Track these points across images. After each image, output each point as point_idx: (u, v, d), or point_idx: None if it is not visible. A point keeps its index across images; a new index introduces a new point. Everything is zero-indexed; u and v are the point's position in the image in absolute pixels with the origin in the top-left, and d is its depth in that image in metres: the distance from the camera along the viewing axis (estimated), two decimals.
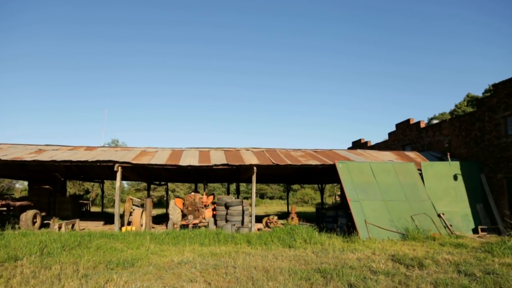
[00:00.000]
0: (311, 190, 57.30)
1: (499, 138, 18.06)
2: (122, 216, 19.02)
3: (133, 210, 18.88)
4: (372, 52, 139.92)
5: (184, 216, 19.19)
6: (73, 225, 18.01)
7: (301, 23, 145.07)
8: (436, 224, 16.19)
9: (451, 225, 16.48)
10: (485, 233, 16.82)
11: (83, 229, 18.22)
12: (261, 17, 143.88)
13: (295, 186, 58.92)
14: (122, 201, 29.53)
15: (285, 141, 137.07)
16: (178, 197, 25.20)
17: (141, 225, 18.27)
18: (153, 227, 19.14)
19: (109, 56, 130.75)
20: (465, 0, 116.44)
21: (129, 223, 18.62)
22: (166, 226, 18.56)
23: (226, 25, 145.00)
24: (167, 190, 35.55)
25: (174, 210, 19.70)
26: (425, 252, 11.60)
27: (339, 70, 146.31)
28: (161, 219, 25.02)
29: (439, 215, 16.69)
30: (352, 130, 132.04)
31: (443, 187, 18.27)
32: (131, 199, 19.92)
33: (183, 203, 19.49)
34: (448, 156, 19.65)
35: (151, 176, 26.17)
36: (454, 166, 18.90)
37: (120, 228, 17.07)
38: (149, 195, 29.62)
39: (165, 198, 41.67)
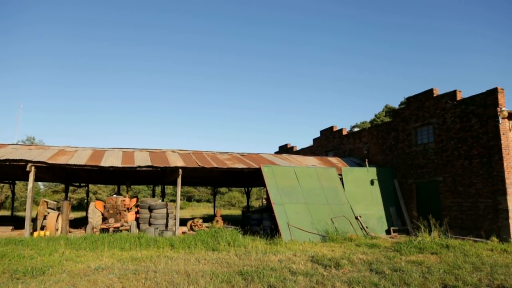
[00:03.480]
0: (238, 193, 57.80)
1: (410, 147, 19.67)
2: (35, 220, 17.67)
3: (48, 213, 17.61)
4: (301, 54, 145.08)
5: (104, 219, 18.35)
6: None
7: (221, 25, 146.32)
8: (354, 226, 17.19)
9: (367, 227, 17.59)
10: (396, 233, 18.20)
11: None
12: (175, 16, 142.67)
13: (222, 189, 59.07)
14: (37, 204, 27.44)
15: (213, 144, 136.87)
16: (99, 199, 23.98)
17: (57, 230, 17.11)
18: (70, 232, 18.07)
19: (32, 54, 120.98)
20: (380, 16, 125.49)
21: (42, 228, 17.33)
22: (85, 230, 17.63)
23: (137, 25, 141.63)
24: (87, 192, 33.71)
25: (94, 213, 18.73)
26: (343, 252, 12.24)
27: (266, 73, 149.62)
28: (80, 223, 23.61)
29: (356, 218, 17.73)
30: (280, 134, 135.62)
31: (361, 191, 19.46)
32: (45, 201, 18.57)
33: (104, 206, 18.62)
34: (366, 162, 20.98)
35: (69, 177, 24.61)
36: (371, 172, 20.21)
37: (32, 233, 15.83)
38: (67, 198, 27.81)
39: (85, 201, 39.42)
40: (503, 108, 15.10)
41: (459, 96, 17.12)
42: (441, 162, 17.74)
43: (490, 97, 15.57)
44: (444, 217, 16.63)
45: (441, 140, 17.78)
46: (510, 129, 15.36)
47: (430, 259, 10.81)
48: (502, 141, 15.03)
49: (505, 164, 14.92)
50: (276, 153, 31.75)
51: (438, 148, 17.93)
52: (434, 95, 18.34)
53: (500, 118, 15.06)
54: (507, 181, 14.82)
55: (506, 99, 15.48)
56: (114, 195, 19.82)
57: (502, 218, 14.76)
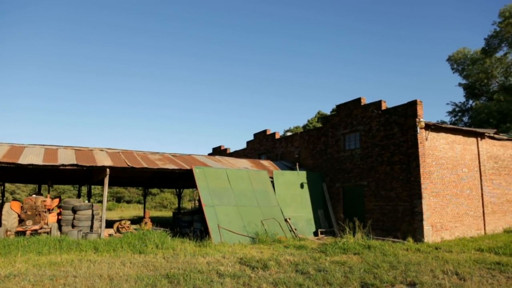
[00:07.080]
0: (171, 195, 56.61)
1: (338, 152, 20.57)
2: None
3: None
4: (237, 56, 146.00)
5: (21, 221, 16.99)
6: None
7: (154, 24, 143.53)
8: (283, 228, 17.57)
9: (296, 229, 18.07)
10: (323, 235, 18.90)
11: None
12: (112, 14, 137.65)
13: (154, 190, 57.52)
14: None
15: (144, 146, 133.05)
16: (16, 199, 22.16)
17: None
18: None
19: None
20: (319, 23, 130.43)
21: None
22: None
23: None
24: (3, 192, 30.89)
25: (9, 214, 17.26)
26: (271, 254, 12.45)
27: (200, 74, 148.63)
28: None
29: (286, 220, 18.15)
30: (214, 136, 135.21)
31: (291, 194, 19.94)
32: None
33: (21, 207, 17.26)
34: (297, 166, 21.57)
35: None
36: (301, 175, 20.81)
37: None
38: None
39: (0, 201, 36.22)
40: (421, 119, 16.35)
41: (383, 106, 18.23)
42: (366, 167, 18.75)
43: (410, 108, 16.78)
44: (367, 219, 17.59)
45: (367, 146, 18.81)
46: (426, 139, 16.67)
47: (353, 259, 11.36)
48: (419, 149, 16.26)
49: (421, 170, 16.15)
50: (209, 154, 31.57)
51: (364, 154, 18.94)
52: (362, 104, 19.36)
53: (418, 128, 16.28)
54: (422, 186, 16.05)
55: (424, 110, 16.80)
56: (34, 195, 18.46)
57: (418, 220, 15.95)
